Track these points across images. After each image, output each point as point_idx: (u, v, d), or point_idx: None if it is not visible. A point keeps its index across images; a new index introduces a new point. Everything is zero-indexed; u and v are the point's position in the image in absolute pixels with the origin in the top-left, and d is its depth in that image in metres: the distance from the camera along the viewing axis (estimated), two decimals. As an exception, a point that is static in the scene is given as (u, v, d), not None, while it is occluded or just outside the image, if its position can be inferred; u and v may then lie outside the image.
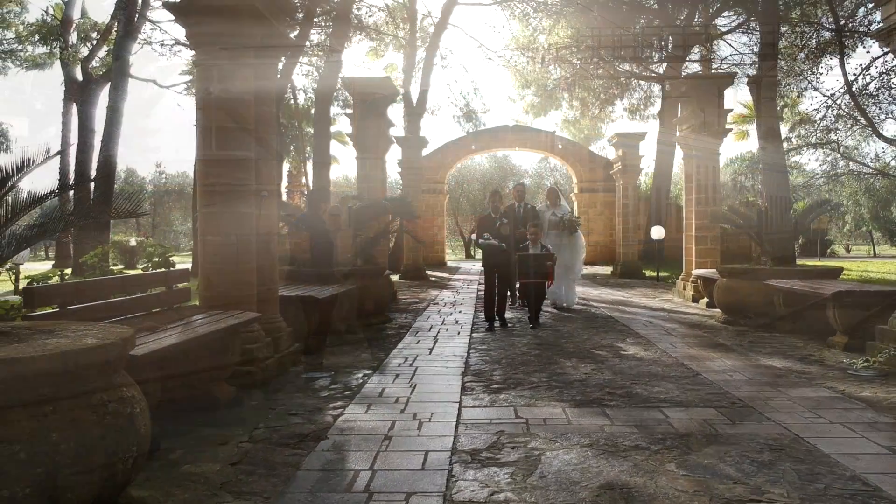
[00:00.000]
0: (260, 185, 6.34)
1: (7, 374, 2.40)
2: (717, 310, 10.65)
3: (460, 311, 11.49)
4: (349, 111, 28.80)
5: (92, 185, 21.62)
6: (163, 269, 7.64)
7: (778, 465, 3.80)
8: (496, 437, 4.34)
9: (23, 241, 2.94)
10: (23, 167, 2.85)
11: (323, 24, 20.45)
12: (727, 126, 13.41)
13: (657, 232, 18.35)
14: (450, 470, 3.74)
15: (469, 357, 7.26)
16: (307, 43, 18.11)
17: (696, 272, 12.61)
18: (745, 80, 18.57)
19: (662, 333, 8.86)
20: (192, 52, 6.11)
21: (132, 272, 13.47)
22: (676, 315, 10.93)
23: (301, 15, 14.66)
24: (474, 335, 8.85)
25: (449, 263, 29.69)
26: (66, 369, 2.57)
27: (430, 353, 7.52)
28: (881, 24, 6.85)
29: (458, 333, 8.99)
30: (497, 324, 9.49)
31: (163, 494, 3.40)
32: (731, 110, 13.26)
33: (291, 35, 9.84)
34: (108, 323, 3.79)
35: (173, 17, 5.99)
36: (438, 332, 9.15)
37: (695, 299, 12.73)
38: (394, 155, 21.01)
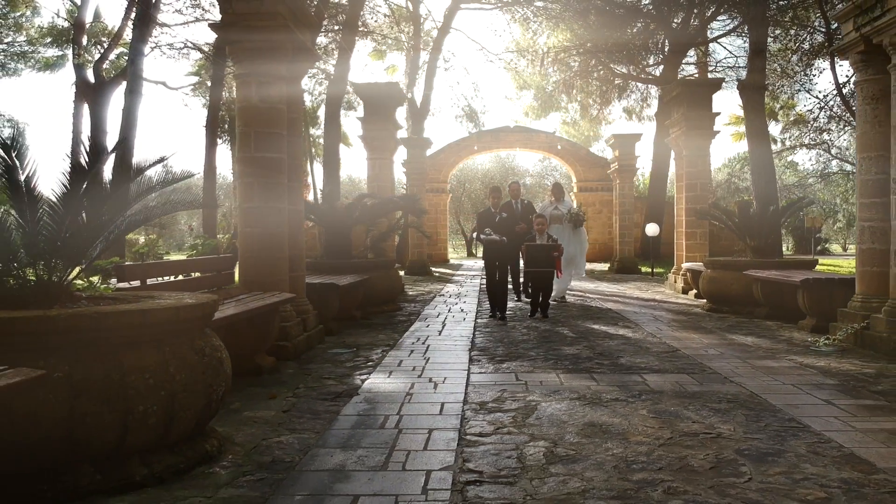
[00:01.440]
0: (291, 183, 7.18)
1: (140, 319, 3.23)
2: (704, 300, 11.49)
3: (465, 302, 12.33)
4: (352, 112, 29.36)
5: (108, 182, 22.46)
6: (213, 256, 8.51)
7: (731, 412, 4.63)
8: (500, 393, 5.18)
9: (131, 227, 3.75)
10: (157, 162, 3.70)
11: (328, 27, 21.29)
12: (725, 126, 14.27)
13: (651, 229, 19.18)
14: (462, 415, 4.57)
15: (475, 337, 8.10)
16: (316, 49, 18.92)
17: (685, 265, 13.45)
18: (736, 83, 19.34)
19: (650, 319, 9.69)
20: (234, 65, 6.92)
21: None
22: (666, 304, 11.77)
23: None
24: (478, 321, 9.69)
25: (451, 261, 30.55)
26: (177, 319, 3.40)
27: (440, 334, 8.36)
28: (842, 40, 7.67)
29: (464, 320, 9.82)
30: (499, 312, 10.30)
31: (234, 430, 4.23)
32: (718, 114, 14.08)
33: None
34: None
35: (217, 35, 6.82)
36: (445, 318, 9.99)
37: (684, 291, 13.56)
38: (398, 156, 21.86)
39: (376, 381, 5.66)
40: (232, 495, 3.21)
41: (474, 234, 10.59)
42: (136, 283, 4.77)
